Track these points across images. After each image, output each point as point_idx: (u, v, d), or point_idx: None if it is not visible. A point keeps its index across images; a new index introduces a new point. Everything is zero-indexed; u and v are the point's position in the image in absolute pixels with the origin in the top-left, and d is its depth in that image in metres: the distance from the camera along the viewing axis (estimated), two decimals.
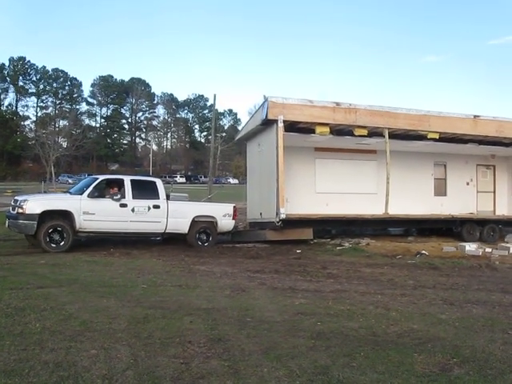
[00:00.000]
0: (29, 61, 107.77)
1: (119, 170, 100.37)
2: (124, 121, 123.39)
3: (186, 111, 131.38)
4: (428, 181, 23.17)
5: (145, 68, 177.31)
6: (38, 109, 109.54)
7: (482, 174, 24.49)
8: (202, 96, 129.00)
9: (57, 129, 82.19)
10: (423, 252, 16.62)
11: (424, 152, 22.24)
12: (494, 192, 24.57)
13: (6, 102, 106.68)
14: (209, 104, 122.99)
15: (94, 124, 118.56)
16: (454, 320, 7.53)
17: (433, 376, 5.13)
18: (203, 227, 16.79)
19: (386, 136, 18.74)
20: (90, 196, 14.99)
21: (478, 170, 24.40)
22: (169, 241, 17.40)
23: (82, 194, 15.09)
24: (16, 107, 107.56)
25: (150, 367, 5.05)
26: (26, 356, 5.22)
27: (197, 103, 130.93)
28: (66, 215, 14.64)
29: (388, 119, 18.90)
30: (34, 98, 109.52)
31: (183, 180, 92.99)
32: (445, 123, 19.71)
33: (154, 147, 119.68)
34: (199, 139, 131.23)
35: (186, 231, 16.47)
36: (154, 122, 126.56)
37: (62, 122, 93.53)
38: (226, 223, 17.27)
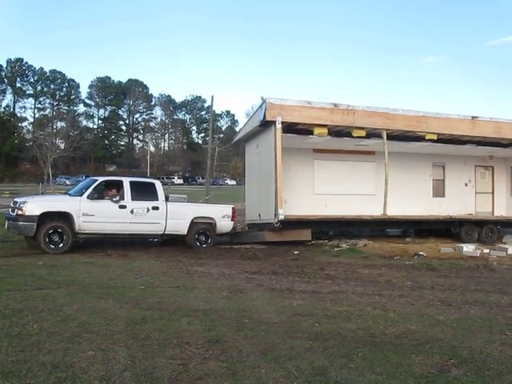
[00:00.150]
0: (26, 62, 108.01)
1: (117, 171, 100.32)
2: (121, 122, 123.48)
3: (183, 112, 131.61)
4: (426, 182, 23.20)
5: (142, 69, 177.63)
6: (36, 110, 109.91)
7: (480, 174, 24.52)
8: (200, 97, 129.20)
9: (54, 130, 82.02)
10: (421, 253, 16.63)
11: (422, 153, 22.26)
12: (493, 193, 24.61)
13: (4, 104, 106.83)
14: (206, 105, 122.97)
15: (91, 125, 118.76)
16: (451, 321, 7.54)
17: (431, 377, 5.13)
18: (202, 228, 16.79)
19: (384, 137, 18.76)
20: (90, 197, 14.99)
21: (477, 171, 24.44)
22: (166, 242, 17.39)
23: (81, 195, 15.08)
24: (13, 109, 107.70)
25: (148, 368, 5.05)
26: (24, 357, 5.22)
27: (194, 104, 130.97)
28: (65, 217, 14.63)
29: (386, 120, 18.91)
30: (31, 100, 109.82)
31: (181, 181, 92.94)
32: (443, 124, 19.73)
33: (152, 148, 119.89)
34: (197, 140, 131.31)
35: (185, 232, 16.47)
36: (152, 124, 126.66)
37: (60, 124, 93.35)
38: (224, 224, 17.27)
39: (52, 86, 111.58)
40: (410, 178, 22.26)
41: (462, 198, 23.42)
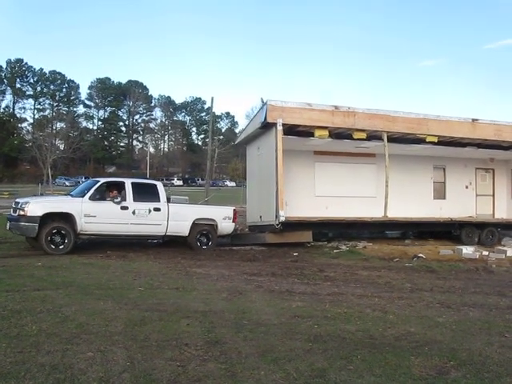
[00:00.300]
0: (26, 63, 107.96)
1: (116, 172, 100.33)
2: (121, 123, 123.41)
3: (183, 114, 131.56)
4: (427, 184, 23.20)
5: (142, 70, 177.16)
6: (36, 111, 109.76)
7: (481, 177, 24.52)
8: (200, 99, 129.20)
9: (54, 131, 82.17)
10: (420, 255, 16.64)
11: (423, 155, 22.28)
12: (493, 195, 24.61)
13: (3, 104, 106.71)
14: (206, 107, 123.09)
15: (91, 126, 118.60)
16: (451, 323, 7.54)
17: (430, 379, 5.13)
18: (203, 230, 16.78)
19: (385, 139, 18.78)
20: (92, 198, 14.99)
21: (477, 174, 24.44)
22: (165, 243, 17.40)
23: (83, 196, 15.08)
24: (13, 109, 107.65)
25: (147, 370, 5.04)
26: (23, 358, 5.21)
27: (194, 106, 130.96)
28: (67, 218, 14.62)
29: (386, 122, 18.95)
30: (31, 101, 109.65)
31: (180, 183, 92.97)
32: (443, 127, 19.77)
33: (151, 150, 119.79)
34: (196, 142, 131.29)
35: (187, 234, 16.46)
36: (152, 125, 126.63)
37: (59, 125, 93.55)
38: (226, 226, 17.28)
39: (52, 86, 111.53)
40: (411, 181, 22.26)
41: (462, 201, 23.43)
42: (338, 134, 18.95)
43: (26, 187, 56.55)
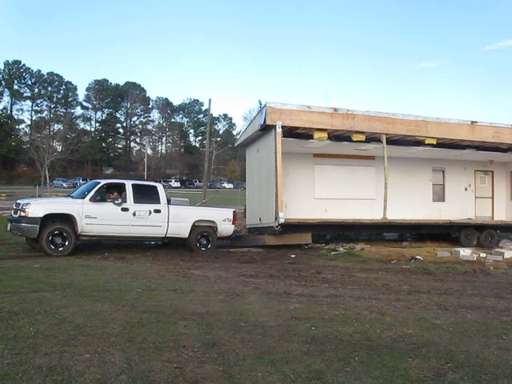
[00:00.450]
0: (24, 64, 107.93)
1: (114, 174, 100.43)
2: (119, 125, 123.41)
3: (180, 116, 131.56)
4: (426, 186, 23.31)
5: (140, 72, 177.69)
6: (33, 112, 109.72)
7: (480, 179, 24.63)
8: (197, 100, 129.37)
9: (51, 133, 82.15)
10: (418, 257, 16.66)
11: (422, 158, 22.38)
12: (493, 197, 24.72)
13: (1, 106, 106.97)
14: (204, 109, 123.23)
15: (88, 128, 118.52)
16: (448, 325, 7.54)
17: (427, 381, 5.14)
18: (203, 232, 16.86)
19: (384, 141, 18.84)
20: (92, 200, 15.04)
21: (477, 176, 24.55)
22: (163, 245, 17.42)
23: (83, 197, 15.14)
24: (11, 111, 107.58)
25: (144, 372, 5.04)
26: (20, 360, 5.20)
27: (192, 108, 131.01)
28: (68, 219, 14.68)
29: (385, 125, 19.01)
30: (28, 102, 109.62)
31: (178, 184, 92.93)
32: (442, 129, 19.84)
33: (149, 151, 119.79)
34: (194, 144, 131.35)
35: (187, 235, 16.54)
36: (149, 127, 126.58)
37: (57, 126, 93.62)
38: (225, 228, 17.35)
39: (49, 88, 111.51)
40: (410, 183, 22.38)
41: (461, 203, 23.54)
42: (337, 137, 19.03)
43: (24, 189, 56.61)
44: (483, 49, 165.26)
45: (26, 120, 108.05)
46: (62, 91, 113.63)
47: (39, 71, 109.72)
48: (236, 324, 7.11)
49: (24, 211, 14.25)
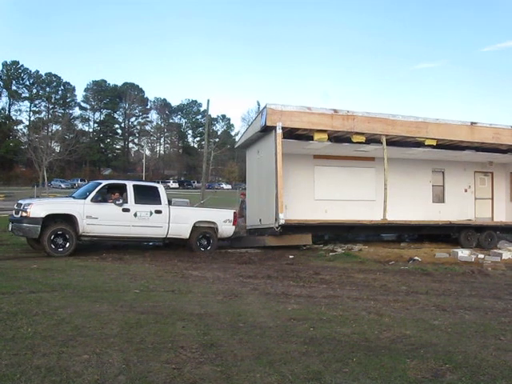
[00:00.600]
0: (22, 65, 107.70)
1: (112, 175, 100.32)
2: (117, 126, 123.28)
3: (179, 116, 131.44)
4: (426, 187, 23.35)
5: (138, 73, 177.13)
6: (31, 113, 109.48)
7: (480, 180, 24.68)
8: (196, 101, 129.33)
9: (50, 133, 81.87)
10: (416, 258, 16.66)
11: (422, 159, 22.43)
12: (492, 199, 24.76)
13: None
14: (202, 109, 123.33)
15: (87, 129, 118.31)
16: (446, 326, 7.55)
17: (425, 382, 5.14)
18: (204, 232, 16.93)
19: (384, 143, 18.87)
20: (94, 200, 15.11)
21: (476, 177, 24.59)
22: (163, 246, 17.43)
23: (85, 198, 15.19)
24: (9, 111, 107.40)
25: (143, 372, 5.04)
26: (18, 361, 5.20)
27: (190, 108, 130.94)
28: (69, 219, 14.72)
29: (385, 126, 19.05)
30: (27, 103, 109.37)
31: (176, 185, 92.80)
32: (442, 130, 19.86)
33: (147, 152, 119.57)
34: (192, 144, 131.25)
35: (187, 236, 16.59)
36: (147, 127, 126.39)
37: (55, 127, 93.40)
38: (226, 229, 17.42)
39: (47, 88, 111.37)
40: (410, 184, 22.42)
41: (461, 204, 23.58)
42: (337, 138, 19.06)
43: (22, 190, 56.55)
44: (481, 50, 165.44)
45: (24, 121, 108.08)
46: (60, 92, 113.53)
47: (37, 72, 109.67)
48: (234, 325, 7.12)
49: (26, 211, 14.29)
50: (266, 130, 18.33)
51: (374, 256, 17.11)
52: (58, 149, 73.74)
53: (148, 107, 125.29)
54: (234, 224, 17.70)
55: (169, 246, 17.57)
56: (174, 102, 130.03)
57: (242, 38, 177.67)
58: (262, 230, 19.62)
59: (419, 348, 6.30)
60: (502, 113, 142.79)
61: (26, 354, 5.41)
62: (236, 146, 26.81)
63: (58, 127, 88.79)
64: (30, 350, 5.55)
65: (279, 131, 17.45)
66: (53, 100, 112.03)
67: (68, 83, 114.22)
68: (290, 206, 19.21)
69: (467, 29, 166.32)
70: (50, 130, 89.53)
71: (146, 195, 16.13)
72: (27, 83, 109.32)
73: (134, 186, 16.13)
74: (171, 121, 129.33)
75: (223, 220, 17.31)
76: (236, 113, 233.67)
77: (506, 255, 17.44)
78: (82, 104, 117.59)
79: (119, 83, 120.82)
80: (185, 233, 16.50)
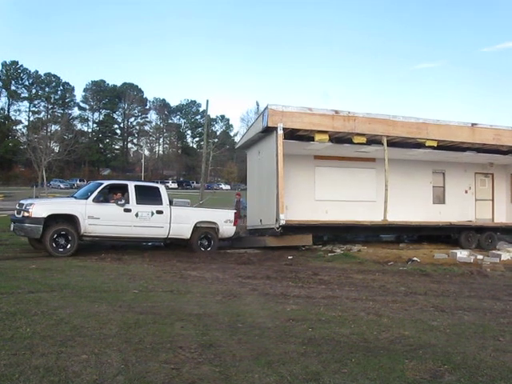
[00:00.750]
0: (21, 65, 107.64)
1: (111, 175, 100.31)
2: (116, 126, 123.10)
3: (178, 117, 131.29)
4: (427, 188, 23.37)
5: (137, 73, 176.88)
6: (30, 113, 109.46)
7: (480, 182, 24.70)
8: (195, 102, 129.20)
9: (49, 133, 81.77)
10: (415, 259, 16.65)
11: (423, 160, 22.45)
12: (493, 200, 24.78)
13: None
14: (201, 110, 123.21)
15: (86, 129, 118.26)
16: (445, 327, 7.55)
17: (424, 383, 5.15)
18: (205, 233, 16.97)
19: (385, 144, 18.89)
20: (95, 201, 15.13)
21: (477, 178, 24.62)
22: (161, 246, 17.43)
23: (87, 198, 15.21)
24: (8, 111, 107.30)
25: (141, 372, 5.04)
26: (17, 361, 5.20)
27: (189, 109, 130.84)
28: (71, 219, 14.73)
29: (386, 127, 19.07)
30: (26, 103, 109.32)
31: (175, 185, 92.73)
32: (443, 131, 19.88)
33: (146, 152, 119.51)
34: (191, 145, 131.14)
35: (189, 236, 16.62)
36: (146, 128, 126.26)
37: (54, 127, 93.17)
38: (227, 229, 17.45)
39: (47, 89, 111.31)
40: (411, 185, 22.44)
41: (462, 205, 23.60)
42: (338, 139, 19.10)
43: (21, 190, 56.53)
44: (481, 50, 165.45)
45: (23, 121, 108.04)
46: (59, 92, 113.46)
47: (37, 72, 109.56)
48: (233, 325, 7.12)
49: (27, 211, 14.31)
50: (267, 130, 18.35)
51: (373, 257, 17.11)
52: (57, 149, 73.63)
53: (147, 107, 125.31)
54: (234, 224, 17.73)
55: (168, 246, 17.59)
56: (173, 103, 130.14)
57: (241, 39, 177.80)
58: (262, 231, 19.65)
59: (418, 349, 6.31)
60: (502, 113, 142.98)
61: (24, 354, 5.41)
62: (236, 146, 26.85)
63: (57, 127, 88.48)
64: (28, 350, 5.55)
65: (280, 132, 17.49)
66: (52, 100, 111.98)
67: (67, 83, 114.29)
68: (291, 206, 19.23)
69: (467, 29, 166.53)
70: (49, 130, 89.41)
71: (148, 195, 16.14)
72: (26, 83, 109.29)
73: (135, 186, 16.15)
74: (170, 121, 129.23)
75: (224, 220, 17.35)
76: (235, 113, 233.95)
77: (504, 256, 17.44)
78: (81, 104, 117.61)
79: (118, 83, 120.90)
80: (186, 233, 16.52)
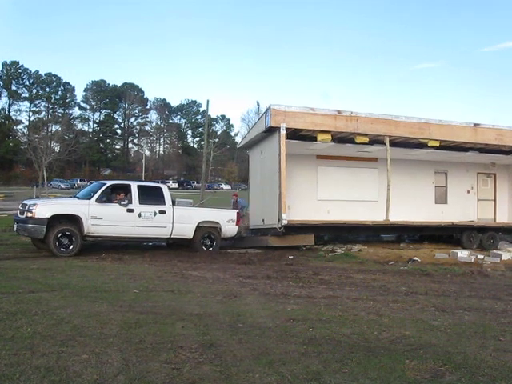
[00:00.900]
0: (22, 65, 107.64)
1: (111, 175, 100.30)
2: (117, 126, 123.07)
3: (178, 117, 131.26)
4: (429, 188, 23.40)
5: (138, 73, 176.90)
6: (31, 113, 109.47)
7: (482, 182, 24.71)
8: (195, 101, 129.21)
9: (49, 133, 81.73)
10: (415, 258, 16.66)
11: (425, 160, 22.46)
12: (495, 200, 24.80)
13: None
14: (202, 110, 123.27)
15: (86, 129, 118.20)
16: (445, 326, 7.55)
17: (425, 382, 5.14)
18: (207, 232, 17.02)
19: (387, 144, 18.92)
20: (98, 201, 15.15)
21: (479, 178, 24.63)
22: (161, 246, 17.44)
23: (89, 198, 15.25)
24: (9, 111, 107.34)
25: (142, 372, 5.03)
26: (17, 361, 5.19)
27: (189, 109, 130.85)
28: (74, 220, 14.77)
29: (389, 127, 19.12)
30: (26, 103, 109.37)
31: (176, 185, 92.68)
32: (445, 131, 19.90)
33: (147, 152, 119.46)
34: (192, 145, 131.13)
35: (191, 236, 16.67)
36: (147, 128, 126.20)
37: (55, 127, 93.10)
38: (229, 229, 17.53)
39: (47, 89, 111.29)
40: (413, 185, 22.46)
41: (464, 205, 23.62)
42: (340, 139, 19.15)
43: (21, 190, 56.54)
44: (481, 50, 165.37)
45: (23, 121, 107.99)
46: (59, 92, 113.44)
47: (37, 72, 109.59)
48: (234, 325, 7.11)
49: (31, 212, 14.34)
50: (270, 130, 18.42)
51: (374, 256, 17.12)
52: (57, 149, 73.60)
53: (147, 107, 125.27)
54: (237, 224, 17.78)
55: (169, 246, 17.61)
56: (174, 103, 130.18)
57: (241, 39, 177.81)
58: (264, 230, 19.69)
59: (418, 348, 6.30)
60: (504, 114, 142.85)
61: (25, 354, 5.41)
62: (238, 146, 26.89)
63: (58, 127, 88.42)
64: (29, 350, 5.55)
65: (283, 132, 17.56)
66: (52, 100, 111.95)
67: (68, 83, 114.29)
68: (293, 206, 19.29)
69: (467, 29, 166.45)
70: (49, 130, 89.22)
71: (150, 196, 16.19)
72: (27, 83, 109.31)
73: (138, 186, 16.20)
74: (171, 121, 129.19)
75: (226, 220, 17.41)
76: (236, 113, 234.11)
77: (505, 256, 17.45)
78: (82, 104, 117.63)
79: (119, 83, 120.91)
80: (189, 233, 16.56)
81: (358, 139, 18.94)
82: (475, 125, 20.53)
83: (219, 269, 13.14)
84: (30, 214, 14.34)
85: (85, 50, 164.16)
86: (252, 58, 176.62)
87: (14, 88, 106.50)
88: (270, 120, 17.70)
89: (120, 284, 10.18)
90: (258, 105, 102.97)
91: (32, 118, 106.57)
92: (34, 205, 14.60)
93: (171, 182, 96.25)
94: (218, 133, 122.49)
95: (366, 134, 18.87)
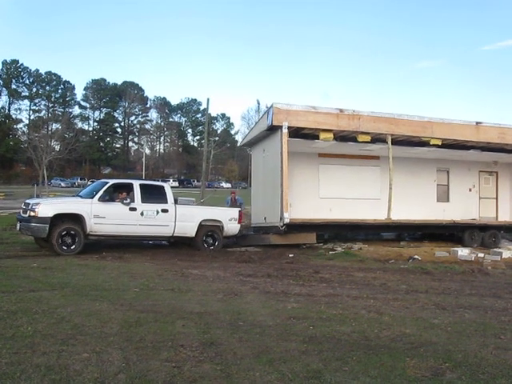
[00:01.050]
0: (22, 64, 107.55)
1: (112, 173, 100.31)
2: (117, 124, 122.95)
3: (178, 115, 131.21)
4: (431, 187, 23.38)
5: (138, 72, 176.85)
6: (31, 112, 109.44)
7: (484, 180, 24.70)
8: (195, 100, 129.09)
9: (49, 132, 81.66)
10: (416, 257, 16.66)
11: (427, 158, 22.46)
12: (497, 198, 24.79)
13: None
14: (202, 108, 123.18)
15: (86, 127, 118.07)
16: (446, 325, 7.55)
17: (425, 380, 5.14)
18: (210, 231, 17.06)
19: (389, 142, 18.91)
20: (101, 200, 15.15)
21: (481, 177, 24.62)
22: (162, 245, 17.44)
23: (92, 197, 15.25)
24: (9, 110, 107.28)
25: (142, 371, 5.03)
26: (18, 359, 5.20)
27: (190, 107, 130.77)
28: (76, 219, 14.78)
29: (391, 125, 19.12)
30: (26, 101, 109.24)
31: (176, 184, 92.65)
32: (447, 130, 19.89)
33: (147, 151, 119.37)
34: (192, 143, 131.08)
35: (193, 235, 16.70)
36: (147, 126, 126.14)
37: (55, 126, 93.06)
38: (231, 227, 17.57)
39: (47, 87, 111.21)
40: (415, 183, 22.46)
41: (466, 203, 23.61)
42: (342, 137, 19.14)
43: (22, 188, 56.54)
44: (482, 48, 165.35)
45: (24, 119, 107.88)
46: (59, 90, 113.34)
47: (37, 70, 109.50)
48: (234, 323, 7.12)
49: (34, 211, 14.36)
50: (272, 129, 18.44)
51: (374, 255, 17.12)
52: (57, 147, 73.54)
53: (148, 106, 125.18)
54: (239, 222, 17.81)
55: (169, 244, 17.61)
56: (174, 101, 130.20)
57: (241, 37, 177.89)
58: (266, 229, 19.68)
59: (419, 347, 6.31)
60: (506, 112, 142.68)
61: (25, 353, 5.41)
62: (240, 144, 26.92)
63: (58, 126, 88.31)
64: (29, 349, 5.56)
65: (285, 131, 17.56)
66: (52, 99, 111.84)
67: (68, 82, 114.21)
68: (295, 204, 19.31)
69: (467, 27, 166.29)
70: (49, 128, 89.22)
71: (153, 194, 16.23)
72: (27, 82, 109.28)
73: (140, 185, 16.22)
74: (171, 119, 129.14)
75: (229, 218, 17.44)
76: (236, 111, 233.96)
77: (506, 254, 17.46)
78: (82, 103, 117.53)
79: (119, 82, 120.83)
80: (191, 231, 16.59)
81: (360, 138, 18.95)
82: (477, 123, 20.52)
83: (219, 267, 13.14)
84: (33, 213, 14.36)
85: (85, 48, 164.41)
86: (252, 56, 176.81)
87: (14, 87, 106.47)
88: (272, 118, 17.70)
89: (120, 283, 10.19)
90: (258, 103, 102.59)
91: (32, 117, 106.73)
92: (37, 204, 14.63)
93: (171, 180, 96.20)
94: (219, 131, 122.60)
95: (368, 133, 18.87)
